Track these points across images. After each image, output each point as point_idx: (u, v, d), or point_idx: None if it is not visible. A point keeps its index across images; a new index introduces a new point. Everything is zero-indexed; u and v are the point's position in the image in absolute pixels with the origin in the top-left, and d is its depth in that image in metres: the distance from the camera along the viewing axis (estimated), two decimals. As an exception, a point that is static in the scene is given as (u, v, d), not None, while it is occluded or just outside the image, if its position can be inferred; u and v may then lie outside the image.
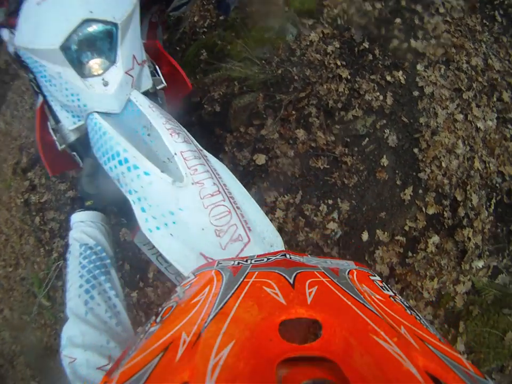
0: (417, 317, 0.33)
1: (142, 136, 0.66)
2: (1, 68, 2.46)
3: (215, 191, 0.60)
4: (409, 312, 0.34)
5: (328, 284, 0.35)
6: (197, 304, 0.33)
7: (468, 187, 1.62)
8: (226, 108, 1.64)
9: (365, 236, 1.49)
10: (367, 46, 1.67)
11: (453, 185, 1.60)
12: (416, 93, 1.66)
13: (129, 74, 0.73)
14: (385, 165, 1.53)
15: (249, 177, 1.56)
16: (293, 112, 1.60)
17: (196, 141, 0.71)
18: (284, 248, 0.65)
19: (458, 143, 1.66)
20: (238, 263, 0.42)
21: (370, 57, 1.67)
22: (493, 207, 1.66)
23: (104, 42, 0.72)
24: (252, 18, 1.70)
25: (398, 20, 1.76)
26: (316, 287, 0.33)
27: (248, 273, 0.37)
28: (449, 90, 1.72)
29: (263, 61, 1.60)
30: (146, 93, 0.79)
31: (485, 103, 1.78)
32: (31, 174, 1.99)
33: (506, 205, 1.70)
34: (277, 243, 0.64)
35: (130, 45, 0.75)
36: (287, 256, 0.44)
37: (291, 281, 0.35)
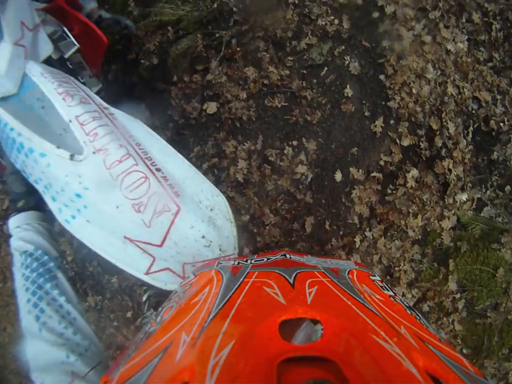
0: (417, 317, 0.34)
1: (38, 111, 0.58)
2: None
3: (123, 155, 0.52)
4: (409, 312, 0.34)
5: (328, 284, 0.35)
6: (197, 304, 0.33)
7: (443, 114, 1.46)
8: (164, 58, 1.49)
9: (338, 176, 1.31)
10: (312, -38, 1.45)
11: (426, 113, 1.44)
12: (376, 14, 1.49)
13: (20, 45, 0.63)
14: (349, 96, 1.36)
15: (203, 129, 1.42)
16: (238, 49, 1.38)
17: (98, 99, 0.63)
18: (228, 210, 0.59)
19: (428, 67, 1.49)
20: (238, 263, 0.42)
21: (318, -25, 1.46)
22: (471, 136, 1.51)
23: None
24: None
25: None
26: (316, 287, 0.34)
27: (248, 273, 0.38)
28: (414, 10, 1.54)
29: None
30: (51, 61, 0.73)
31: (453, 24, 1.63)
32: None
33: (485, 132, 1.57)
34: (218, 205, 0.57)
35: (15, 10, 0.64)
36: (287, 256, 0.44)
37: (291, 281, 0.35)
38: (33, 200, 0.66)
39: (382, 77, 1.42)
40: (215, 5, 1.39)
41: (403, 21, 1.51)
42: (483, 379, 0.26)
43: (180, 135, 1.48)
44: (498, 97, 1.63)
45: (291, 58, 1.38)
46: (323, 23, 1.41)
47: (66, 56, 0.80)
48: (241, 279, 0.35)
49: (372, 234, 1.32)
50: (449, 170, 1.41)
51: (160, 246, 0.52)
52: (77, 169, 0.50)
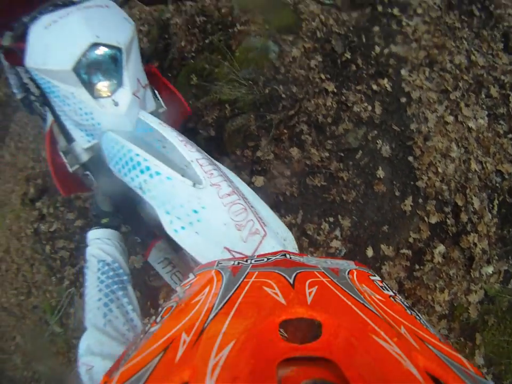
0: (417, 317, 0.33)
1: (158, 149, 0.70)
2: (2, 101, 2.54)
3: (230, 191, 0.65)
4: (409, 312, 0.33)
5: (328, 284, 0.35)
6: (197, 304, 0.33)
7: (468, 190, 1.57)
8: (220, 131, 1.63)
9: (369, 252, 1.43)
10: (349, 57, 1.64)
11: (452, 190, 1.56)
12: (403, 99, 1.63)
13: (136, 96, 0.78)
14: (381, 177, 1.48)
15: None
16: (285, 130, 1.56)
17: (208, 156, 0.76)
18: (295, 243, 0.67)
19: (452, 146, 1.62)
20: (238, 263, 0.42)
21: (354, 67, 1.63)
22: (496, 209, 1.62)
23: (111, 65, 0.77)
24: (235, 39, 1.66)
25: (376, 28, 1.73)
26: (316, 287, 0.34)
27: (248, 273, 0.37)
28: (436, 93, 1.69)
29: (250, 82, 1.57)
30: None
31: (473, 101, 1.75)
32: (39, 204, 2.01)
33: (509, 204, 1.66)
34: (289, 238, 0.68)
35: (134, 68, 0.80)
36: (287, 256, 0.44)
37: (291, 281, 0.35)
38: (117, 221, 0.77)
39: (410, 158, 1.50)
40: (267, 90, 1.54)
41: (427, 104, 1.66)
42: (483, 379, 0.26)
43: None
44: (521, 168, 1.73)
45: (330, 142, 1.50)
46: (358, 110, 1.53)
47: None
48: (241, 279, 0.35)
49: (401, 308, 1.39)
50: (475, 244, 1.51)
51: None
52: (197, 193, 0.63)
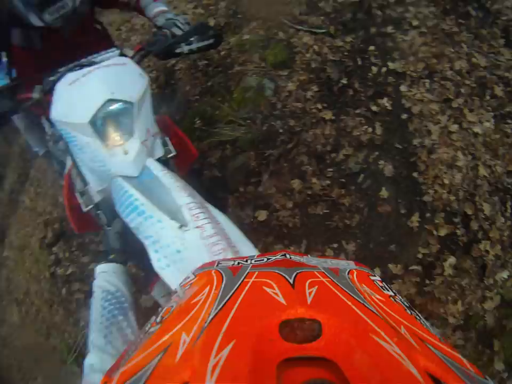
0: (417, 317, 0.34)
1: (156, 194, 0.79)
2: (22, 148, 2.68)
3: (213, 233, 0.71)
4: (409, 312, 0.34)
5: (328, 284, 0.35)
6: (197, 304, 0.33)
7: (477, 198, 1.58)
8: (224, 170, 1.73)
9: (377, 273, 1.51)
10: (345, 82, 1.69)
11: (460, 200, 1.57)
12: (404, 116, 1.66)
13: (144, 145, 0.87)
14: (385, 197, 1.54)
15: (254, 234, 1.58)
16: (285, 164, 1.65)
17: (199, 196, 0.84)
18: None
19: (458, 155, 1.64)
20: (238, 263, 0.42)
21: (351, 92, 1.69)
22: (509, 211, 1.61)
23: (123, 118, 0.86)
24: (234, 80, 1.77)
25: (371, 47, 1.76)
26: (316, 287, 0.34)
27: (248, 273, 0.37)
28: (438, 103, 1.70)
29: (248, 120, 1.66)
30: (158, 160, 0.92)
31: (477, 105, 1.74)
32: (55, 248, 2.11)
33: (524, 204, 1.64)
34: None
35: (145, 119, 0.90)
36: (287, 256, 0.44)
37: (291, 281, 0.35)
38: (123, 257, 0.84)
39: (415, 174, 1.51)
40: (264, 127, 1.64)
41: (430, 117, 1.66)
42: (483, 379, 0.25)
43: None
44: (532, 166, 1.70)
45: (331, 169, 1.55)
46: (358, 133, 1.56)
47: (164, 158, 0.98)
48: (241, 279, 0.35)
49: (412, 325, 1.42)
50: (487, 251, 1.52)
51: None
52: (182, 235, 0.69)
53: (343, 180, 1.56)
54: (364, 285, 0.37)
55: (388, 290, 0.38)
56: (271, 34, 1.89)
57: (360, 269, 0.41)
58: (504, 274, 1.50)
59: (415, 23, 1.80)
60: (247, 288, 0.34)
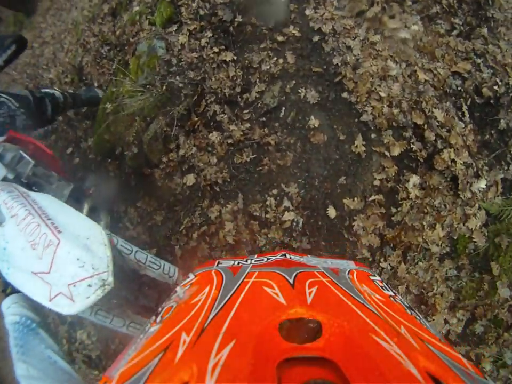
0: (417, 317, 0.34)
1: None
2: None
3: (26, 214, 0.72)
4: (409, 312, 0.34)
5: (328, 284, 0.35)
6: (197, 304, 0.33)
7: (424, 104, 1.33)
8: (141, 145, 1.58)
9: (331, 212, 1.20)
10: (241, 20, 1.48)
11: (405, 111, 1.33)
12: (316, 38, 1.47)
13: None
14: (316, 126, 1.27)
15: (190, 201, 1.45)
16: (197, 119, 1.38)
17: (22, 189, 0.87)
18: (103, 237, 0.69)
19: (389, 64, 1.41)
20: (238, 263, 0.43)
21: (250, 28, 1.47)
22: (467, 114, 1.36)
23: None
24: (130, 53, 1.69)
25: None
26: (316, 287, 0.34)
27: (248, 273, 0.38)
28: (352, 18, 1.49)
29: (148, 86, 1.49)
30: (7, 180, 0.97)
31: (398, 11, 1.54)
32: None
33: (481, 104, 1.40)
34: (93, 235, 0.70)
35: None
36: (287, 256, 0.45)
37: (291, 281, 0.35)
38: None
39: (344, 94, 1.36)
40: (164, 87, 1.45)
41: (345, 33, 1.46)
42: (483, 379, 0.25)
43: (173, 212, 1.48)
44: (479, 61, 1.49)
45: (247, 111, 1.39)
46: (267, 67, 1.40)
47: (26, 171, 1.03)
48: (241, 279, 0.36)
49: (389, 264, 1.16)
50: (453, 161, 1.26)
51: (49, 272, 0.64)
52: (2, 231, 0.72)
53: (263, 119, 1.29)
54: (363, 285, 0.37)
55: (388, 290, 0.38)
56: (155, -3, 1.71)
57: (360, 269, 0.42)
58: (481, 183, 1.21)
59: None
60: (247, 288, 0.34)
